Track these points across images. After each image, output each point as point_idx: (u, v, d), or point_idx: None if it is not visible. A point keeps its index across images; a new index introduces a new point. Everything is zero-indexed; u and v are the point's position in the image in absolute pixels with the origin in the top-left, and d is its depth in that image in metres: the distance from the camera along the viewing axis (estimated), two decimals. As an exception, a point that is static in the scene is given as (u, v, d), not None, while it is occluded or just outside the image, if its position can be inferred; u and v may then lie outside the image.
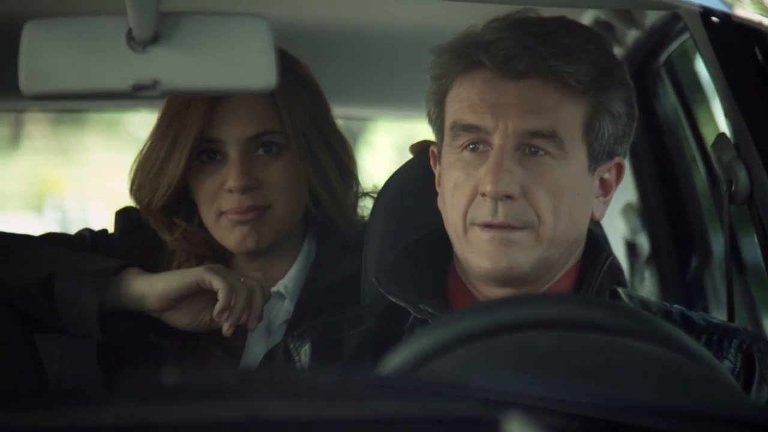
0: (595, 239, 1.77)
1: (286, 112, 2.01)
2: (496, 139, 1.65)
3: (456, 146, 1.69)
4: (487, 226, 1.66)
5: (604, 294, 1.73)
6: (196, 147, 2.00)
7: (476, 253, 1.68)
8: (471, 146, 1.68)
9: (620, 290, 1.77)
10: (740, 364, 1.68)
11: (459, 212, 1.69)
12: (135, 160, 2.06)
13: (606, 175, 1.72)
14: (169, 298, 1.93)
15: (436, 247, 1.77)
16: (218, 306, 1.92)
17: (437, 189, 1.77)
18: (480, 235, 1.67)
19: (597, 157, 1.69)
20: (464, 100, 1.68)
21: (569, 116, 1.66)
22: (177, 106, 2.01)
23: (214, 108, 2.00)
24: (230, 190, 2.00)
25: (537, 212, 1.66)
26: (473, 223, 1.67)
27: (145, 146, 2.06)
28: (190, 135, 2.00)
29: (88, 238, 2.10)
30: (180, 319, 1.96)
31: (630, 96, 1.72)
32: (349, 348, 1.77)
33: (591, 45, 1.68)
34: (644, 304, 1.77)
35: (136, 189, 2.06)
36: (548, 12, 1.79)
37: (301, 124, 2.02)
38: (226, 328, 1.93)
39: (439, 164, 1.75)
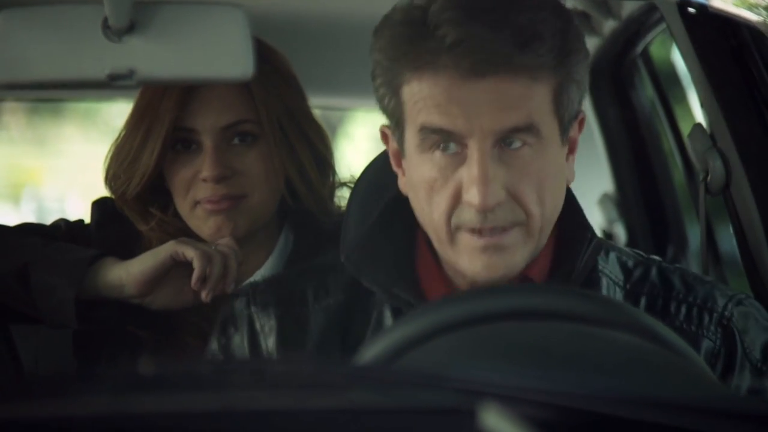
0: (571, 210, 1.69)
1: (262, 101, 2.01)
2: (473, 144, 1.58)
3: (425, 147, 1.62)
4: (475, 230, 1.60)
5: (587, 273, 1.67)
6: (170, 136, 2.00)
7: (468, 259, 1.62)
8: (442, 146, 1.60)
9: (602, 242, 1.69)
10: (720, 341, 1.65)
11: (441, 217, 1.62)
12: (110, 150, 2.06)
13: (571, 134, 1.65)
14: (147, 280, 1.93)
15: (399, 220, 1.71)
16: (195, 274, 1.92)
17: (396, 170, 1.70)
18: (470, 242, 1.61)
19: (566, 126, 1.62)
20: (428, 99, 1.60)
21: (541, 101, 1.59)
22: (150, 95, 2.01)
23: (188, 97, 1.99)
24: (205, 180, 1.99)
25: (525, 209, 1.60)
26: (459, 228, 1.62)
27: (119, 136, 2.05)
28: (163, 124, 1.99)
29: (64, 228, 2.09)
30: (162, 300, 1.96)
31: (585, 50, 1.63)
32: (317, 324, 1.71)
33: (546, 13, 1.58)
34: (621, 262, 1.69)
35: (110, 178, 2.05)
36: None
37: (276, 113, 2.02)
38: (205, 294, 1.93)
39: (402, 156, 1.67)
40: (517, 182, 1.59)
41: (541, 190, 1.60)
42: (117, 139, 2.05)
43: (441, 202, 1.61)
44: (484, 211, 1.58)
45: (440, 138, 1.60)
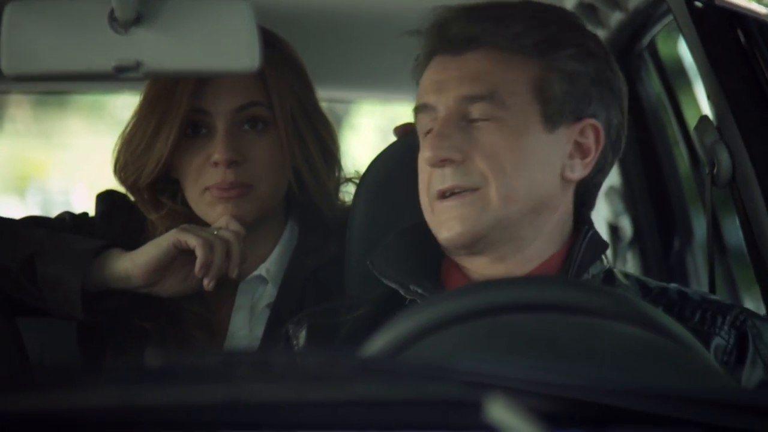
0: (583, 218, 1.79)
1: (274, 87, 2.01)
2: (440, 112, 1.73)
3: (421, 132, 1.77)
4: (441, 194, 1.72)
5: (588, 268, 1.74)
6: (185, 122, 1.99)
7: (437, 225, 1.74)
8: (430, 130, 1.75)
9: (616, 271, 1.79)
10: (733, 340, 1.70)
11: (424, 190, 1.75)
12: (120, 138, 2.05)
13: (580, 139, 1.75)
14: (152, 270, 1.93)
15: (431, 232, 1.79)
16: (198, 261, 1.92)
17: None
18: (438, 206, 1.73)
19: (554, 117, 1.73)
20: (421, 84, 1.78)
21: (513, 78, 1.72)
22: (163, 83, 2.01)
23: (202, 82, 1.99)
24: (216, 163, 1.99)
25: (483, 173, 1.71)
26: (434, 197, 1.74)
27: (129, 124, 2.05)
28: (179, 110, 1.99)
29: (69, 221, 2.10)
30: (169, 288, 1.96)
31: (588, 59, 1.74)
32: (345, 332, 1.79)
33: (535, 10, 1.74)
34: (641, 282, 1.79)
35: (121, 167, 2.05)
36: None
37: (288, 100, 2.02)
38: (207, 282, 1.93)
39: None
40: (474, 147, 1.71)
41: (505, 160, 1.71)
42: (126, 128, 2.05)
43: (423, 176, 1.76)
44: (433, 164, 1.72)
45: (424, 118, 1.75)
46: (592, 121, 1.75)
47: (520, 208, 1.72)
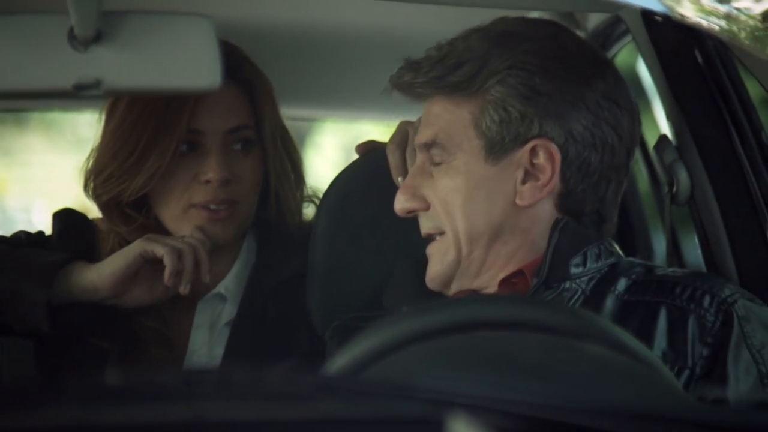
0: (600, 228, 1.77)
1: (263, 109, 2.02)
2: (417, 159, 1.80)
3: None
4: (425, 238, 1.79)
5: (568, 260, 1.71)
6: (182, 137, 1.98)
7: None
8: None
9: (623, 262, 1.75)
10: (719, 322, 1.66)
11: None
12: (97, 152, 2.01)
13: (532, 160, 1.72)
14: (119, 280, 1.92)
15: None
16: (168, 270, 1.92)
17: None
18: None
19: (495, 147, 1.72)
20: None
21: (452, 120, 1.74)
22: (153, 97, 1.99)
23: (196, 101, 1.98)
24: (209, 181, 1.98)
25: (443, 217, 1.75)
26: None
27: (109, 137, 2.00)
28: (177, 127, 1.97)
29: (25, 239, 2.08)
30: (135, 298, 1.95)
31: (520, 77, 1.71)
32: None
33: (462, 44, 1.74)
34: (647, 268, 1.75)
35: (102, 180, 2.01)
36: (490, 13, 1.80)
37: (273, 122, 2.04)
38: (183, 287, 1.93)
39: None
40: (433, 193, 1.75)
41: (453, 201, 1.74)
42: (103, 142, 2.01)
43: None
44: (401, 215, 1.78)
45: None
46: (540, 140, 1.71)
47: (477, 245, 1.74)
